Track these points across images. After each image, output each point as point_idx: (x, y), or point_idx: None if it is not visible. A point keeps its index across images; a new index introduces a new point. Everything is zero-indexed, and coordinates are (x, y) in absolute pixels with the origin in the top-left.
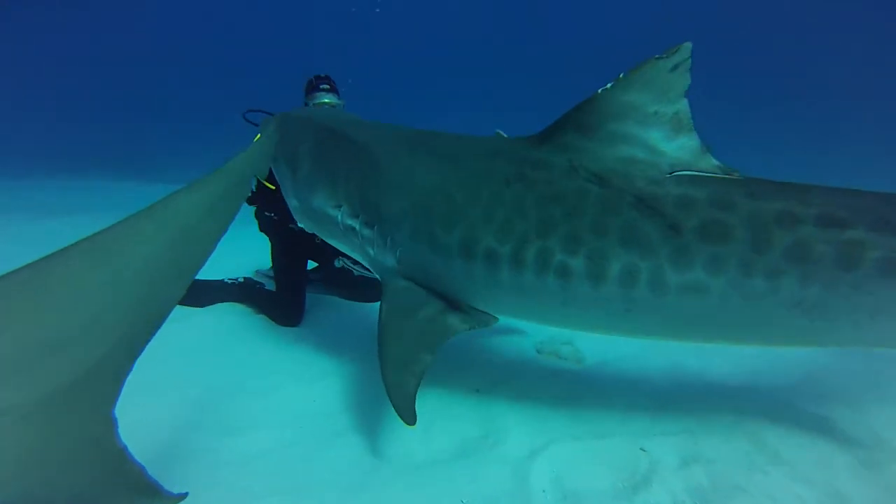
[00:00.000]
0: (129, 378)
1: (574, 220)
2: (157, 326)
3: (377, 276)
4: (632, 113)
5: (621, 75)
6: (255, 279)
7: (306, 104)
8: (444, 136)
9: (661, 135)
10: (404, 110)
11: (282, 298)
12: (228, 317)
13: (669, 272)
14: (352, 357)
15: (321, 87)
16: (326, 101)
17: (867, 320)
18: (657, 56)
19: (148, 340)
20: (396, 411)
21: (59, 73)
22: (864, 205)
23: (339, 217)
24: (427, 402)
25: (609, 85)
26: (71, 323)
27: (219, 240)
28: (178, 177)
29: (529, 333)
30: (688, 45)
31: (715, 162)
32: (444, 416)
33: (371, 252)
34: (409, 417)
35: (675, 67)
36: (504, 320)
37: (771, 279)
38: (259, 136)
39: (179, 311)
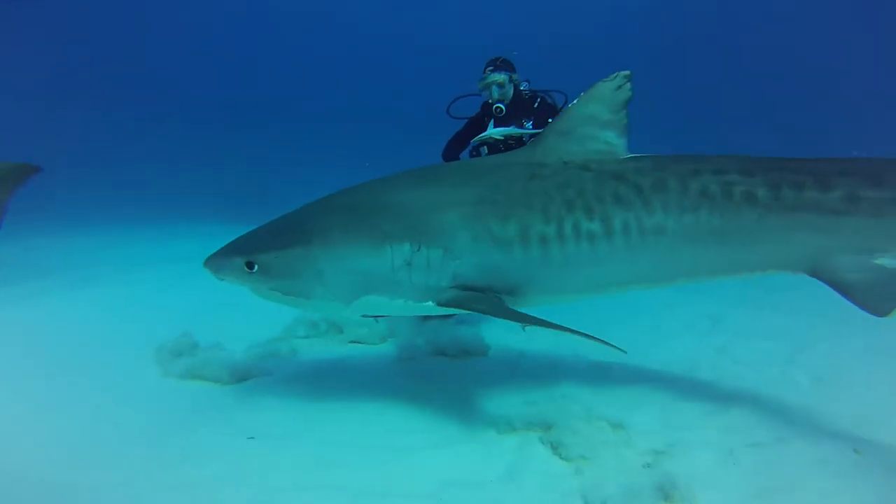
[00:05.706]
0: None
1: (585, 196)
2: None
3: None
4: (593, 120)
5: (582, 94)
6: None
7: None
8: (451, 165)
9: (614, 134)
10: None
11: None
12: (338, 367)
13: (644, 217)
14: (482, 419)
15: (487, 68)
16: (494, 79)
17: (746, 239)
18: (603, 79)
19: None
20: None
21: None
22: (738, 162)
23: (390, 256)
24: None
25: (576, 101)
26: None
27: None
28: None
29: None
30: (626, 73)
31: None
32: None
33: (427, 276)
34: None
35: (618, 87)
36: None
37: (694, 212)
38: None
39: (285, 363)
